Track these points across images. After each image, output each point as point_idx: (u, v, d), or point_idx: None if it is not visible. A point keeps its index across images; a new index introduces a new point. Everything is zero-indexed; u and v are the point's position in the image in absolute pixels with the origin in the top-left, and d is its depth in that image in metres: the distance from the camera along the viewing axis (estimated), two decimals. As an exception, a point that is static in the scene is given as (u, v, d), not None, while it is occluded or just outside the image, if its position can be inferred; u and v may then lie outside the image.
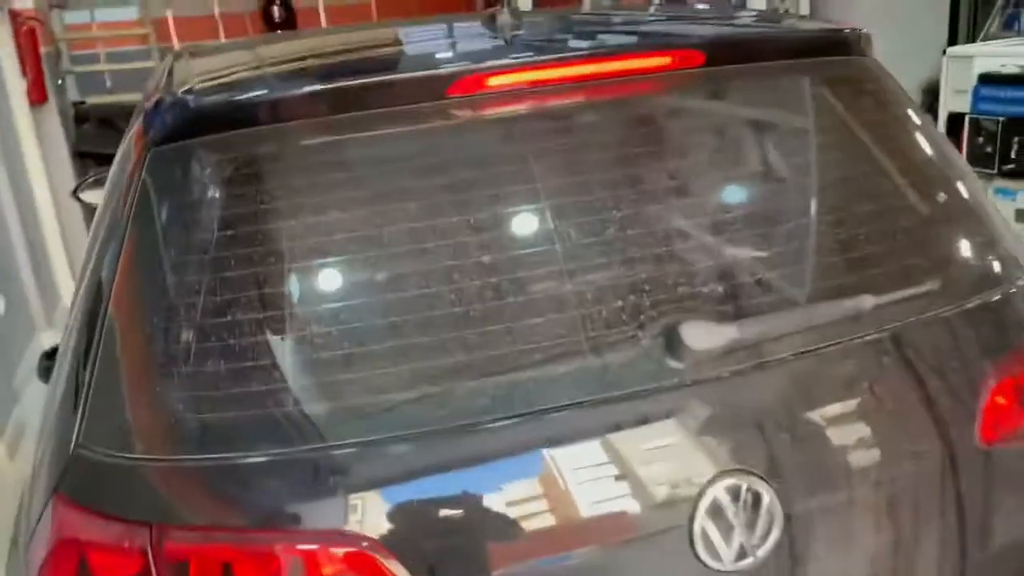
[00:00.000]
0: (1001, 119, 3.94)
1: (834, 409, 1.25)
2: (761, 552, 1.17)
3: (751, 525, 1.16)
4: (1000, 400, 1.32)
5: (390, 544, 1.09)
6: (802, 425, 1.23)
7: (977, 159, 4.04)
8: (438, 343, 1.18)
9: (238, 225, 1.23)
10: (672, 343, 1.18)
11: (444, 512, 1.12)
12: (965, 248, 1.44)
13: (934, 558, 1.33)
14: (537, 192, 1.28)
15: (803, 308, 1.27)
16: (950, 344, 1.34)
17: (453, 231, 1.24)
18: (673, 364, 1.19)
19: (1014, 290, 1.43)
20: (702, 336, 1.17)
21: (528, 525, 1.14)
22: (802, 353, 1.24)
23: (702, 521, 1.15)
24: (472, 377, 1.17)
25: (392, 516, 1.11)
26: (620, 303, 1.20)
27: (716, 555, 1.16)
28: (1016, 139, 3.90)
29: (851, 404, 1.26)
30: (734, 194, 1.37)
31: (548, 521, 1.14)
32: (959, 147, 4.11)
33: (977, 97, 4.05)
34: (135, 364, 1.19)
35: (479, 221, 1.26)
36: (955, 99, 4.15)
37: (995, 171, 3.99)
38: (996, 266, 1.44)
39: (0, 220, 4.28)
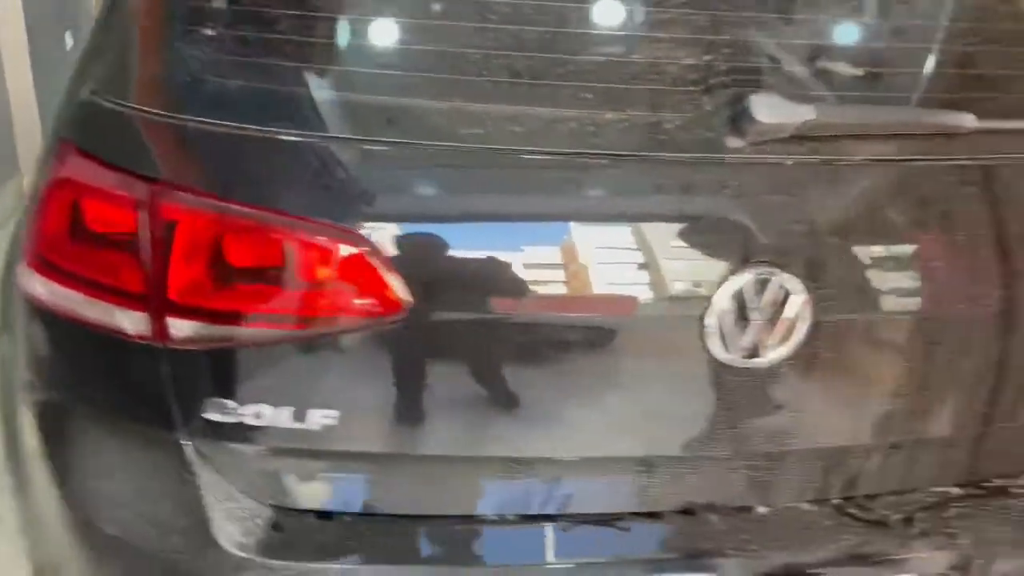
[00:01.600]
0: None
1: (900, 228, 1.12)
2: (775, 353, 1.09)
3: (772, 322, 1.08)
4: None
5: (392, 256, 1.02)
6: (860, 235, 1.11)
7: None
8: (482, 59, 1.06)
9: None
10: (738, 114, 1.06)
11: (452, 243, 1.04)
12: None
13: (957, 413, 1.24)
14: None
15: (897, 113, 1.13)
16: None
17: None
18: (733, 137, 1.07)
19: None
20: (772, 112, 1.05)
21: (533, 276, 1.05)
22: (881, 160, 1.11)
23: (719, 307, 1.06)
24: (509, 101, 1.06)
25: (403, 230, 1.04)
26: (691, 60, 1.08)
27: (726, 346, 1.08)
28: None
29: (919, 228, 1.13)
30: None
31: (561, 276, 1.05)
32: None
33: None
34: (160, 18, 1.11)
35: None
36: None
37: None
38: None
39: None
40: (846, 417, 1.19)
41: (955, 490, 1.29)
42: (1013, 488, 1.31)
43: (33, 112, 3.41)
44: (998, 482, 1.31)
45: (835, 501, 1.25)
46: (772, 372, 1.10)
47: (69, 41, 3.94)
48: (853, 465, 1.24)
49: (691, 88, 1.07)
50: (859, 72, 1.14)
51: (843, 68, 1.14)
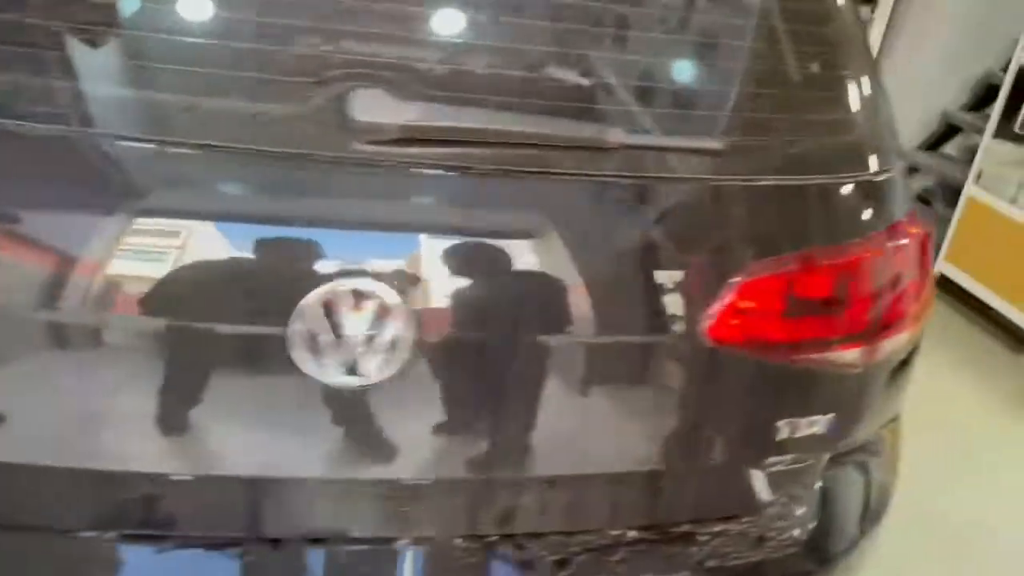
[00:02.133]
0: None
1: (531, 242, 1.02)
2: (379, 373, 0.99)
3: (371, 339, 0.98)
4: (751, 299, 1.09)
5: None
6: (479, 250, 1.01)
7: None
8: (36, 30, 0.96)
9: None
10: (341, 111, 0.97)
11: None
12: (786, 118, 1.16)
13: (599, 444, 1.14)
14: None
15: (528, 122, 1.02)
16: (713, 218, 1.10)
17: None
18: (338, 135, 0.97)
19: (845, 185, 1.17)
20: (372, 111, 0.96)
21: (98, 271, 0.94)
22: (513, 171, 1.01)
23: (309, 319, 0.96)
24: (72, 78, 0.95)
25: None
26: (308, 49, 0.99)
27: (318, 363, 0.98)
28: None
29: (555, 243, 1.03)
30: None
31: (135, 274, 0.95)
32: (1020, 107, 3.64)
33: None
34: None
35: None
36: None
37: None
38: (825, 152, 1.17)
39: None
40: (471, 447, 1.09)
41: (632, 534, 1.19)
42: (700, 534, 1.21)
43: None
44: (686, 527, 1.22)
45: (492, 538, 1.15)
46: (376, 392, 1.01)
47: None
48: (508, 500, 1.15)
49: (306, 79, 0.98)
50: (505, 76, 1.04)
51: (486, 70, 1.04)
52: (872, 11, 4.38)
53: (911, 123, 4.59)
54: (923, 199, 4.66)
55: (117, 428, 1.01)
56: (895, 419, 1.44)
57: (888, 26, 4.39)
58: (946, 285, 3.87)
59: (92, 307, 0.95)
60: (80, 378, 0.99)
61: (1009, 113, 3.69)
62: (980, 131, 3.90)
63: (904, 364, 1.33)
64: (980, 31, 4.44)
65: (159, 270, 0.95)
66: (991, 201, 3.74)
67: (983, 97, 4.50)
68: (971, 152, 3.98)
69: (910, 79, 4.46)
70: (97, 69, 0.96)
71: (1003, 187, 3.72)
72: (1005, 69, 3.79)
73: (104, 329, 0.97)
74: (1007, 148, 3.73)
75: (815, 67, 1.20)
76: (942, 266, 3.88)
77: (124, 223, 0.94)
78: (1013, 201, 3.66)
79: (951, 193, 4.07)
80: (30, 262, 0.93)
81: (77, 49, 0.95)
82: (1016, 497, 2.67)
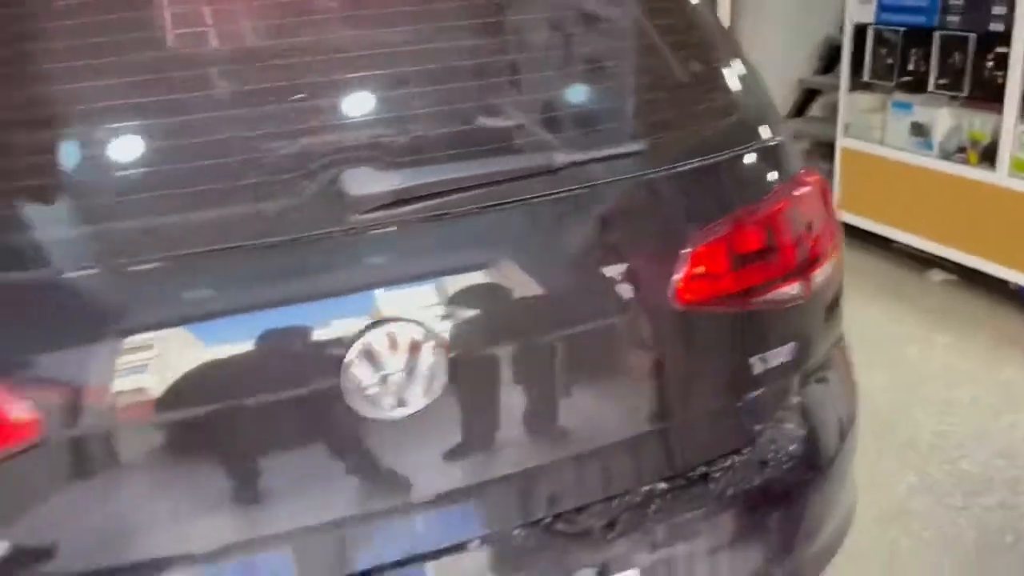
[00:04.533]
0: (901, 30, 3.88)
1: (513, 261, 1.23)
2: (421, 401, 1.17)
3: (410, 373, 1.16)
4: (702, 264, 1.32)
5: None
6: (475, 273, 1.22)
7: (878, 72, 4.00)
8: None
9: None
10: (337, 192, 1.15)
11: (79, 358, 1.08)
12: (686, 112, 1.41)
13: (628, 415, 1.34)
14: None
15: (486, 160, 1.23)
16: (654, 205, 1.32)
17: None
18: (340, 212, 1.15)
19: (749, 154, 1.42)
20: (362, 184, 1.14)
21: (176, 374, 1.10)
22: (485, 207, 1.21)
23: (355, 368, 1.13)
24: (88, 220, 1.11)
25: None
26: (286, 148, 1.17)
27: (372, 403, 1.15)
28: (913, 50, 3.84)
29: (533, 257, 1.24)
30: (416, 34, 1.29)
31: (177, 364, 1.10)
32: (863, 60, 4.06)
33: (880, 6, 3.98)
34: None
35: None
36: (860, 9, 4.08)
37: (893, 83, 3.95)
38: (723, 132, 1.42)
39: None
40: (511, 444, 1.27)
41: (661, 485, 1.38)
42: (713, 472, 1.41)
43: None
44: (701, 470, 1.41)
45: (545, 521, 1.32)
46: (429, 413, 1.18)
47: None
48: (551, 483, 1.32)
49: (293, 174, 1.16)
50: (455, 135, 1.25)
51: (436, 132, 1.25)
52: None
53: (774, 97, 5.00)
54: (804, 161, 5.06)
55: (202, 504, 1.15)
56: (840, 339, 1.68)
57: (732, 5, 4.80)
58: (847, 230, 4.23)
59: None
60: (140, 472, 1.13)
61: (856, 67, 4.11)
62: (836, 89, 4.31)
63: (836, 292, 1.58)
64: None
65: (240, 361, 1.12)
66: (862, 147, 4.14)
67: (830, 59, 4.96)
68: (834, 109, 4.39)
69: (764, 55, 4.86)
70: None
71: (869, 132, 4.12)
72: (842, 30, 4.22)
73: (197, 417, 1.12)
74: (863, 98, 4.14)
75: (696, 67, 1.46)
76: (838, 215, 4.24)
77: (189, 328, 1.10)
78: (880, 142, 4.06)
79: (827, 149, 4.47)
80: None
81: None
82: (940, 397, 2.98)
